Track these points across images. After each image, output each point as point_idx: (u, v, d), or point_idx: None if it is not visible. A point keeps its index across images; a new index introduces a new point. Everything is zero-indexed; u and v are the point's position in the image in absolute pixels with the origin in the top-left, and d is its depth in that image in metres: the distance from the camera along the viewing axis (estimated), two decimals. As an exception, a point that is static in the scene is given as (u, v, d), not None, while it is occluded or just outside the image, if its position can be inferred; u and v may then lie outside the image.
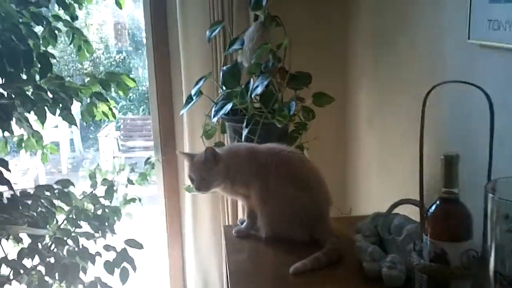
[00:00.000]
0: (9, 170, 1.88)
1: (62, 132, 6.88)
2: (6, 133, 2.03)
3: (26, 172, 6.12)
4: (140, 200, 2.48)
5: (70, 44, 2.32)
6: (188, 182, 2.54)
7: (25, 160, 6.30)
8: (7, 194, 1.96)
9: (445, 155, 0.95)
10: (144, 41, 2.84)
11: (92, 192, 2.29)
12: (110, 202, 2.34)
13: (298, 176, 1.53)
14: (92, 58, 8.23)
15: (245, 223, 1.64)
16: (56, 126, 6.51)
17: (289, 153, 1.58)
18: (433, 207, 0.98)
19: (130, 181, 2.49)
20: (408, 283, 1.22)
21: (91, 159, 7.58)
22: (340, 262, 1.41)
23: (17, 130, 2.22)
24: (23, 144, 2.35)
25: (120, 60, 8.76)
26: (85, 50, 2.34)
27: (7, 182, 1.79)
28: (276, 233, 1.54)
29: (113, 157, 6.57)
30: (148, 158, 2.60)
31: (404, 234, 1.30)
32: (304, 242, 1.51)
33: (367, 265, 1.28)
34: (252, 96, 1.90)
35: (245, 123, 1.90)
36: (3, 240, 2.00)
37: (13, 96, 1.89)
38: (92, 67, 8.26)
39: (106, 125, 6.97)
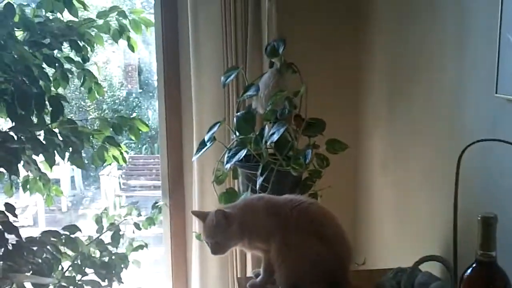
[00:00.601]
0: (16, 216, 1.84)
1: (63, 169, 6.83)
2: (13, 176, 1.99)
3: (25, 209, 6.04)
4: (146, 245, 2.41)
5: (81, 86, 2.30)
6: (198, 229, 2.49)
7: (24, 197, 6.23)
8: (12, 240, 1.90)
9: (482, 216, 0.91)
10: (155, 83, 2.83)
11: (98, 237, 2.24)
12: (117, 248, 2.28)
13: (319, 230, 1.47)
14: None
15: (260, 277, 1.57)
16: (57, 164, 6.46)
17: (309, 205, 1.53)
18: (469, 270, 0.93)
19: (137, 226, 2.44)
20: None
21: (91, 197, 7.50)
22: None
23: (22, 170, 2.18)
24: (28, 186, 2.30)
25: (124, 98, 8.77)
26: (96, 92, 2.33)
27: (15, 230, 1.74)
28: (294, 287, 1.48)
29: (115, 196, 6.50)
30: (156, 203, 2.56)
31: (432, 294, 1.24)
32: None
33: (393, 327, 1.22)
34: (268, 143, 1.87)
35: (260, 171, 1.86)
36: (6, 289, 1.93)
37: (24, 139, 1.85)
38: (95, 105, 8.25)
39: (109, 164, 6.93)
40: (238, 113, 2.05)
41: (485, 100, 1.38)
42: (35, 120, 1.97)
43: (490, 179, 1.34)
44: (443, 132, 1.61)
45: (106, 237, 2.36)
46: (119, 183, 6.68)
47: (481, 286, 0.94)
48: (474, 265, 0.95)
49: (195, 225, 2.57)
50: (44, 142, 1.91)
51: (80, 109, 7.86)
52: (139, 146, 8.18)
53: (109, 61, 8.76)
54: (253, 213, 1.54)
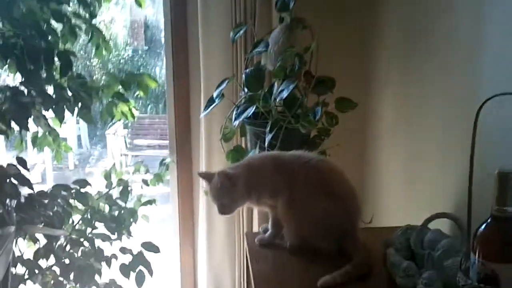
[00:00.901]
0: (27, 169, 1.86)
1: (70, 128, 6.85)
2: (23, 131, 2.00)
3: (33, 167, 6.10)
4: (155, 201, 2.44)
5: (89, 42, 2.28)
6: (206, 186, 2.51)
7: (32, 156, 6.29)
8: (24, 193, 1.93)
9: (499, 171, 0.91)
10: (162, 40, 2.81)
11: (107, 192, 2.26)
12: (125, 203, 2.31)
13: (328, 186, 1.48)
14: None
15: (269, 232, 1.59)
16: (64, 122, 6.47)
17: (318, 161, 1.53)
18: (484, 226, 0.93)
19: (145, 182, 2.46)
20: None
21: (98, 156, 7.56)
22: (369, 276, 1.36)
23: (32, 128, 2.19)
24: (37, 141, 2.31)
25: (129, 58, 8.73)
26: (103, 49, 2.31)
27: (27, 182, 1.76)
28: (302, 242, 1.50)
29: (121, 155, 6.53)
30: (163, 160, 2.57)
31: (440, 249, 1.25)
32: (330, 253, 1.46)
33: (401, 281, 1.24)
34: (277, 100, 1.86)
35: (268, 128, 1.86)
36: (19, 239, 1.97)
37: (34, 94, 1.85)
38: (101, 65, 8.22)
39: (114, 123, 6.95)
40: (247, 70, 2.03)
41: (503, 54, 1.36)
42: (44, 75, 1.97)
43: (507, 135, 1.33)
44: (458, 87, 1.59)
45: (115, 193, 2.39)
46: (125, 142, 6.71)
47: (496, 242, 0.93)
48: (488, 220, 0.94)
49: (203, 182, 2.59)
50: (53, 96, 1.90)
51: (86, 69, 7.84)
52: (145, 105, 8.20)
53: (114, 20, 8.68)
54: (259, 170, 1.54)
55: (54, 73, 2.03)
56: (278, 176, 1.51)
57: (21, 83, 1.89)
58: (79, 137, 7.50)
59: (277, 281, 1.41)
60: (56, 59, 1.99)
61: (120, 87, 2.12)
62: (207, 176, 1.57)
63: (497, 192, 0.91)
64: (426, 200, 1.83)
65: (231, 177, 1.50)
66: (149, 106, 8.24)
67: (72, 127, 6.97)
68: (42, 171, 6.15)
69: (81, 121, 7.40)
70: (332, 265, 1.36)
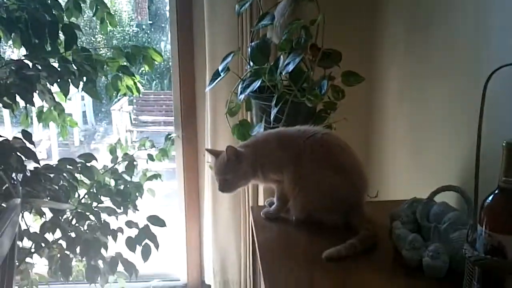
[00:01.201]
0: (33, 143, 1.85)
1: (75, 104, 6.85)
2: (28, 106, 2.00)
3: (39, 143, 6.11)
4: (160, 176, 2.44)
5: (93, 16, 2.26)
6: (211, 160, 2.51)
7: (38, 132, 6.30)
8: (30, 167, 1.93)
9: (507, 142, 0.89)
10: (167, 14, 2.78)
11: (113, 166, 2.26)
12: (131, 177, 2.31)
13: (334, 160, 1.47)
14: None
15: (274, 206, 1.59)
16: (70, 99, 6.47)
17: (323, 135, 1.52)
18: (491, 197, 0.92)
19: (150, 157, 2.46)
20: (449, 274, 1.18)
21: (103, 132, 7.56)
22: (375, 249, 1.37)
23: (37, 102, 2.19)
24: (43, 116, 2.31)
25: (133, 34, 8.67)
26: (108, 23, 2.29)
27: (33, 156, 1.76)
28: (309, 216, 1.50)
29: (126, 131, 6.53)
30: (169, 134, 2.56)
31: (447, 222, 1.25)
32: (336, 226, 1.46)
33: (407, 254, 1.24)
34: (283, 73, 1.84)
35: (274, 102, 1.84)
36: (26, 213, 1.98)
37: (39, 67, 1.84)
38: (105, 41, 8.17)
39: (119, 99, 6.93)
40: (253, 43, 2.01)
41: (511, 24, 1.34)
42: (49, 49, 1.95)
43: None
44: (465, 60, 1.57)
45: (120, 168, 2.39)
46: (130, 118, 6.70)
47: (503, 213, 0.92)
48: (496, 192, 0.93)
49: (208, 157, 2.59)
50: (58, 70, 1.89)
51: (91, 45, 7.79)
52: (151, 81, 8.18)
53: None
54: (265, 147, 1.54)
55: (59, 47, 2.02)
56: (283, 152, 1.51)
57: (25, 56, 1.87)
58: (84, 114, 7.49)
59: (282, 253, 1.41)
60: (60, 33, 1.97)
61: (125, 60, 2.10)
62: (214, 152, 1.57)
63: (505, 164, 0.90)
64: (432, 174, 1.82)
65: (239, 154, 1.50)
66: (154, 83, 8.21)
67: (77, 103, 6.96)
68: (47, 148, 6.16)
69: (86, 97, 7.37)
70: (338, 238, 1.36)
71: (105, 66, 2.04)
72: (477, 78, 1.46)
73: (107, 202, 2.18)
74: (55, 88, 2.08)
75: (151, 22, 8.76)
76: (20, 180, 1.84)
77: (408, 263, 1.24)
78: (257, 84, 1.91)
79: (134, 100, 6.84)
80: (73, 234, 2.07)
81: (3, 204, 1.79)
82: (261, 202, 2.43)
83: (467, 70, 1.56)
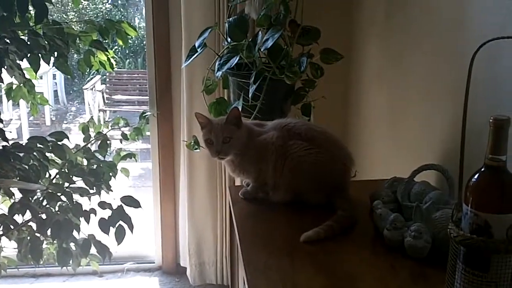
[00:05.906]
0: (2, 121, 1.77)
1: (46, 83, 6.67)
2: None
3: (9, 123, 5.95)
4: (135, 156, 2.38)
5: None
6: (187, 138, 2.45)
7: (7, 112, 6.13)
8: (-3, 146, 1.86)
9: (494, 118, 0.86)
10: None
11: (86, 145, 2.19)
12: (104, 157, 2.25)
13: (317, 140, 1.46)
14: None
15: (251, 185, 1.55)
16: (41, 77, 6.30)
17: (298, 122, 1.52)
18: (477, 175, 0.90)
19: (124, 136, 2.39)
20: (431, 254, 1.17)
21: (75, 112, 7.41)
22: (354, 229, 1.34)
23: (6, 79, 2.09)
24: (12, 94, 2.22)
25: (107, 11, 8.46)
26: (80, -4, 2.20)
27: (1, 133, 1.68)
28: (294, 196, 1.47)
29: (99, 111, 6.40)
30: (144, 112, 2.50)
31: (428, 202, 1.23)
32: (319, 204, 1.44)
33: (388, 234, 1.22)
34: (262, 50, 1.80)
35: (252, 79, 1.80)
36: (-6, 194, 1.91)
37: (8, 41, 1.75)
38: (78, 17, 7.96)
39: (92, 77, 6.78)
40: (230, 19, 1.95)
41: (493, 1, 1.31)
42: (18, 21, 1.86)
43: (499, 84, 1.28)
44: (446, 36, 1.54)
45: (93, 148, 2.32)
46: (103, 97, 6.56)
47: (490, 191, 0.89)
48: (482, 169, 0.89)
49: (184, 135, 2.54)
50: (29, 43, 1.80)
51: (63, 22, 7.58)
52: (124, 60, 8.02)
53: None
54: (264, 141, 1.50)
55: (29, 21, 1.92)
56: (272, 154, 1.47)
57: (-8, 29, 1.78)
58: (55, 93, 7.31)
59: (261, 235, 1.37)
60: (30, 6, 1.88)
61: (98, 35, 2.02)
62: (206, 118, 1.50)
63: (491, 141, 0.87)
64: (410, 152, 1.80)
65: (240, 120, 1.48)
66: (127, 61, 8.04)
67: (48, 82, 6.78)
68: (17, 127, 6.01)
69: (58, 76, 7.16)
70: (319, 219, 1.33)
71: (77, 41, 1.95)
72: (458, 54, 1.44)
73: (79, 182, 2.10)
74: (25, 64, 1.99)
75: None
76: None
77: (390, 243, 1.22)
78: (234, 60, 1.86)
79: (107, 79, 6.70)
80: (43, 216, 1.99)
81: (-31, 184, 1.71)
82: (238, 182, 2.39)
83: (447, 47, 1.53)
